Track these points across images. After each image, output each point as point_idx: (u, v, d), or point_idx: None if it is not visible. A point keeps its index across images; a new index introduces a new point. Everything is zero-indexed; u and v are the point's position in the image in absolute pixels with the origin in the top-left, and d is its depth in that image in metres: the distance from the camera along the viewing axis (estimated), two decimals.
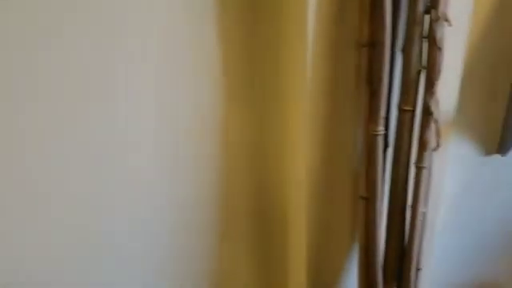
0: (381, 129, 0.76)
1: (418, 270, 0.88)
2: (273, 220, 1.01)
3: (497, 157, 1.05)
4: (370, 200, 0.81)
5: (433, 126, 0.75)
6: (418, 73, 0.74)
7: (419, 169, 0.78)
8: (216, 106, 0.85)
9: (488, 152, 1.04)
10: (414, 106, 0.75)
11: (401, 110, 0.76)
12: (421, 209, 0.80)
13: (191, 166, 0.87)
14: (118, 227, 0.87)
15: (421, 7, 0.69)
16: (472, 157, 1.02)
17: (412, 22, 0.70)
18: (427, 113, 0.74)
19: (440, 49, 0.70)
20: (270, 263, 1.06)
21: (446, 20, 0.68)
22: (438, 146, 0.76)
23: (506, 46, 0.91)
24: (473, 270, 1.18)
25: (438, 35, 0.69)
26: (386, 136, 0.79)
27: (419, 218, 0.81)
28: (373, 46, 0.72)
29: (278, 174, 0.96)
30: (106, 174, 0.82)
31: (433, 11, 0.69)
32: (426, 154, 0.77)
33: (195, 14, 0.77)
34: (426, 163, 0.77)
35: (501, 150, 1.04)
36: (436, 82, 0.72)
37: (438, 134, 0.75)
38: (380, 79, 0.72)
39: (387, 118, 0.79)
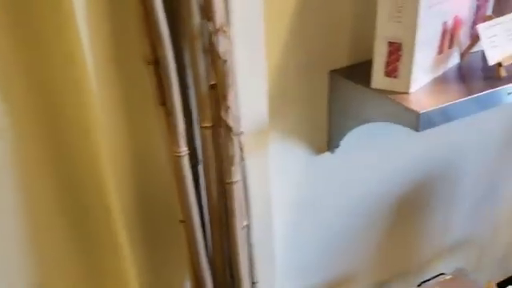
0: (183, 149, 0.72)
1: (253, 283, 0.85)
2: (103, 247, 0.93)
3: (328, 154, 1.06)
4: (187, 223, 0.76)
5: (234, 139, 0.72)
6: (212, 87, 0.70)
7: (229, 184, 0.75)
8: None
9: (318, 151, 1.05)
10: (214, 122, 0.72)
11: (201, 128, 0.72)
12: (240, 223, 0.78)
13: None
14: None
15: (196, 19, 0.65)
16: (303, 157, 1.02)
17: (191, 35, 0.66)
18: (226, 127, 0.71)
19: (225, 61, 0.67)
20: None
21: (224, 31, 0.65)
22: (242, 159, 0.73)
23: (314, 39, 0.91)
24: (326, 268, 1.19)
25: (221, 48, 0.66)
26: (193, 155, 0.75)
27: (239, 232, 0.78)
28: (157, 63, 0.67)
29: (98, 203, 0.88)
30: None
31: (209, 23, 0.65)
32: (234, 169, 0.74)
33: None
34: (235, 178, 0.74)
35: (329, 146, 1.06)
36: (228, 96, 0.69)
37: (240, 148, 0.72)
38: (171, 98, 0.68)
39: (192, 137, 0.75)
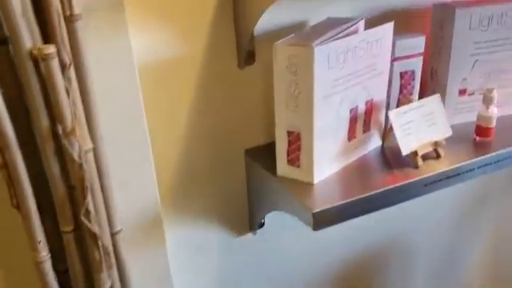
0: (43, 255, 0.66)
1: None
2: None
3: (250, 235, 0.99)
4: None
5: (99, 243, 0.65)
6: (71, 189, 0.64)
7: None
8: None
9: (240, 232, 0.98)
10: (77, 225, 0.66)
11: (62, 232, 0.66)
12: None
13: None
14: None
15: (44, 122, 0.60)
16: (222, 240, 0.96)
17: (41, 138, 0.61)
18: (88, 231, 0.65)
19: (81, 164, 0.61)
20: None
21: (75, 135, 0.60)
22: (110, 265, 0.67)
23: (225, 118, 0.85)
24: None
25: (75, 152, 0.60)
26: (63, 259, 0.69)
27: None
28: (6, 167, 0.62)
29: None
30: None
31: (59, 126, 0.60)
32: (103, 276, 0.67)
33: None
34: (105, 285, 0.68)
35: (252, 227, 0.99)
36: (87, 198, 0.63)
37: (107, 253, 0.66)
38: (24, 201, 0.62)
39: (59, 241, 0.69)
